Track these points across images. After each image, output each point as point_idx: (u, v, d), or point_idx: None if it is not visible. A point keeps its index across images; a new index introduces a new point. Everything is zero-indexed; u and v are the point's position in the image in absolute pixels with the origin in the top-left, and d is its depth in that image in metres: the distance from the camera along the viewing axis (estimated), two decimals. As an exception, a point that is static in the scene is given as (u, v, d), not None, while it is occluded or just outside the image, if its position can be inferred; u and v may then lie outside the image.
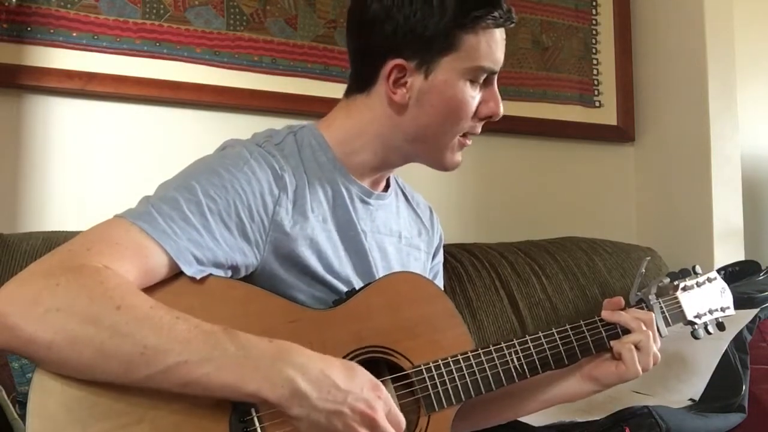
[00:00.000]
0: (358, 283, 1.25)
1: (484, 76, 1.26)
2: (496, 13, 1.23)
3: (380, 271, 1.30)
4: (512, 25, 1.27)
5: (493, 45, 1.25)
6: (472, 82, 1.25)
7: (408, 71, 1.23)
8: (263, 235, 1.16)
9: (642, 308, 1.41)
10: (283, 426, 1.05)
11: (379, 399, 1.04)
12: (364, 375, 1.06)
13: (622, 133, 2.91)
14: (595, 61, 2.89)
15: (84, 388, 0.97)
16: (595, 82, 2.88)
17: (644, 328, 1.33)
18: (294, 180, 1.21)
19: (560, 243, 2.52)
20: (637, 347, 1.32)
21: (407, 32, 1.21)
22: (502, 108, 1.29)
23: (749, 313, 2.08)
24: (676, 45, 2.80)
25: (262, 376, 0.98)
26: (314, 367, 1.01)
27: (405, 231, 1.41)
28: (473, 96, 1.26)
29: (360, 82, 1.29)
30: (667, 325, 1.42)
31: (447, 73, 1.23)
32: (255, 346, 1.00)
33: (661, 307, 1.43)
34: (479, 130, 1.31)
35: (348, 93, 1.32)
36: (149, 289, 1.03)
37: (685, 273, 1.51)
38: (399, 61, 1.23)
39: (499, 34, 1.26)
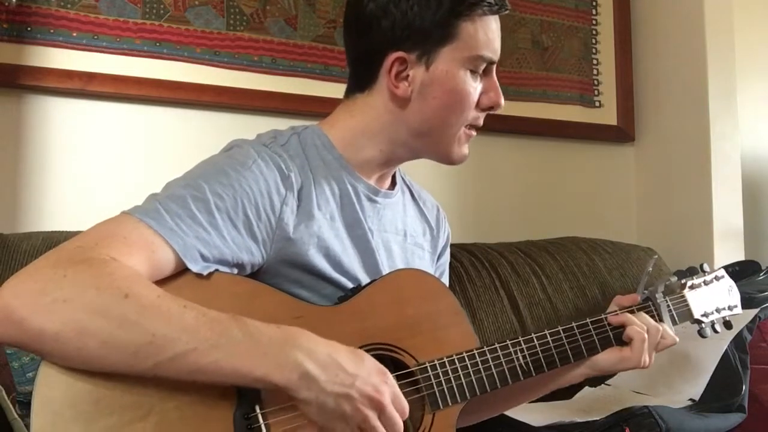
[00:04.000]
0: (365, 281, 1.25)
1: (484, 66, 1.27)
2: None
3: (386, 270, 1.29)
4: (506, 12, 1.29)
5: (490, 34, 1.26)
6: (473, 72, 1.26)
7: (409, 63, 1.24)
8: (270, 234, 1.16)
9: (649, 308, 1.41)
10: (287, 421, 1.05)
11: (385, 384, 1.05)
12: (371, 361, 1.06)
13: (622, 133, 2.91)
14: (595, 61, 2.89)
15: (89, 382, 0.96)
16: (595, 82, 2.88)
17: (644, 335, 1.34)
18: (300, 179, 1.21)
19: (560, 243, 2.53)
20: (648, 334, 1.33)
21: (406, 26, 1.22)
22: (503, 99, 1.30)
23: (749, 313, 2.08)
24: (676, 45, 2.81)
25: (271, 361, 0.99)
26: (322, 351, 1.02)
27: (410, 230, 1.40)
28: (474, 86, 1.26)
29: (360, 82, 1.29)
30: (674, 323, 1.42)
31: (447, 63, 1.24)
32: (263, 332, 1.00)
33: (668, 306, 1.43)
34: (482, 121, 1.31)
35: (348, 94, 1.32)
36: (155, 283, 1.03)
37: (692, 271, 1.51)
38: (399, 53, 1.23)
39: (494, 23, 1.27)
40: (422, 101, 1.25)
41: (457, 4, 1.22)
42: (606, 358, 1.35)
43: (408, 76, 1.24)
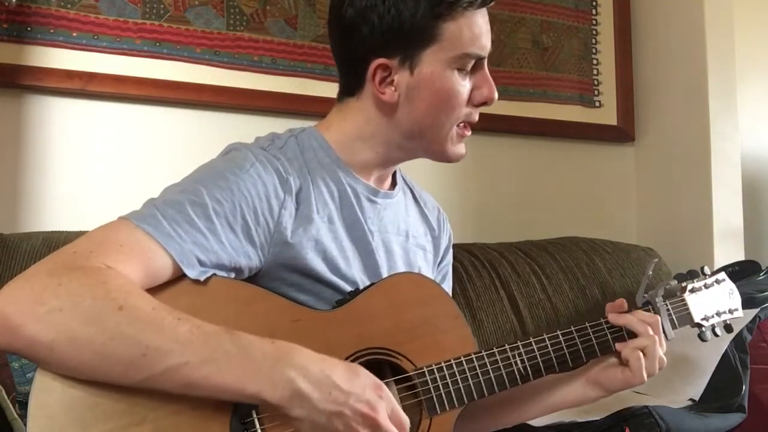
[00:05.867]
0: (365, 284, 1.25)
1: (472, 62, 1.25)
2: None
3: (386, 272, 1.29)
4: (492, 3, 1.25)
5: (475, 29, 1.23)
6: (460, 70, 1.24)
7: (392, 69, 1.23)
8: (268, 238, 1.16)
9: (648, 310, 1.39)
10: (283, 428, 1.04)
11: (380, 399, 1.04)
12: (366, 376, 1.05)
13: (622, 133, 2.91)
14: (595, 61, 2.89)
15: (85, 388, 0.97)
16: (595, 82, 2.88)
17: (650, 332, 1.31)
18: (298, 182, 1.20)
19: (560, 243, 2.52)
20: (644, 353, 1.30)
21: (384, 31, 1.20)
22: (497, 93, 1.28)
23: (749, 313, 2.08)
24: (676, 45, 2.80)
25: (263, 378, 0.98)
26: (315, 368, 1.01)
27: (412, 230, 1.40)
28: (463, 84, 1.24)
29: (349, 87, 1.29)
30: (674, 327, 1.41)
31: (432, 65, 1.22)
32: (256, 348, 1.00)
33: (668, 310, 1.41)
34: (476, 117, 1.29)
35: (340, 97, 1.32)
36: (152, 289, 1.03)
37: (693, 274, 1.49)
38: (381, 60, 1.22)
39: (481, 18, 1.24)
40: (410, 105, 1.24)
41: (436, 5, 1.19)
42: (612, 380, 1.33)
43: (393, 81, 1.23)
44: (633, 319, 1.33)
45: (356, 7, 1.22)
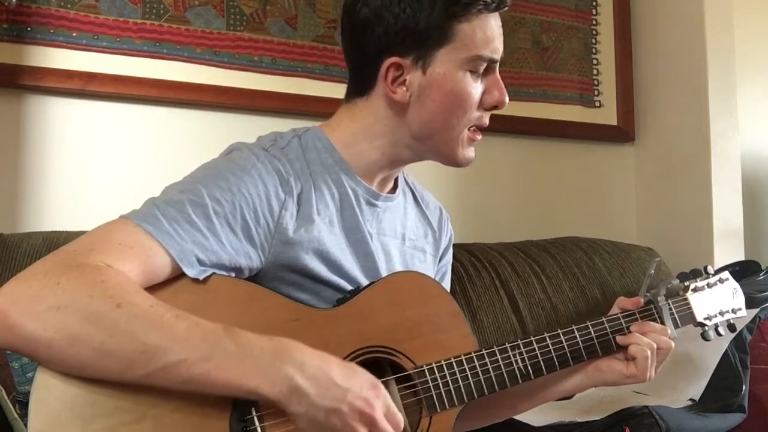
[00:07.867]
0: (365, 284, 1.24)
1: (484, 65, 1.25)
2: None
3: (385, 274, 1.28)
4: (505, 9, 1.26)
5: (488, 32, 1.23)
6: (472, 72, 1.24)
7: (405, 68, 1.23)
8: (269, 238, 1.16)
9: (651, 311, 1.39)
10: (283, 425, 1.05)
11: (377, 398, 1.04)
12: (363, 374, 1.06)
13: (622, 133, 2.91)
14: (595, 61, 2.89)
15: (86, 385, 0.97)
16: (595, 82, 2.88)
17: (647, 353, 1.32)
18: (300, 183, 1.20)
19: (560, 243, 2.52)
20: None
21: (399, 30, 1.20)
22: (507, 97, 1.28)
23: (749, 313, 2.08)
24: (676, 45, 2.80)
25: (262, 374, 0.99)
26: (313, 364, 1.01)
27: (410, 233, 1.39)
28: (475, 87, 1.24)
29: (359, 87, 1.28)
30: (676, 326, 1.40)
31: (445, 65, 1.22)
32: (255, 344, 1.00)
33: (670, 309, 1.40)
34: (487, 121, 1.29)
35: (348, 97, 1.31)
36: (151, 288, 1.03)
37: (696, 273, 1.48)
38: (395, 59, 1.22)
39: (494, 22, 1.25)
40: (421, 105, 1.24)
41: (451, 5, 1.20)
42: (611, 375, 1.34)
43: (405, 80, 1.23)
44: (634, 336, 1.34)
45: (371, 6, 1.22)
